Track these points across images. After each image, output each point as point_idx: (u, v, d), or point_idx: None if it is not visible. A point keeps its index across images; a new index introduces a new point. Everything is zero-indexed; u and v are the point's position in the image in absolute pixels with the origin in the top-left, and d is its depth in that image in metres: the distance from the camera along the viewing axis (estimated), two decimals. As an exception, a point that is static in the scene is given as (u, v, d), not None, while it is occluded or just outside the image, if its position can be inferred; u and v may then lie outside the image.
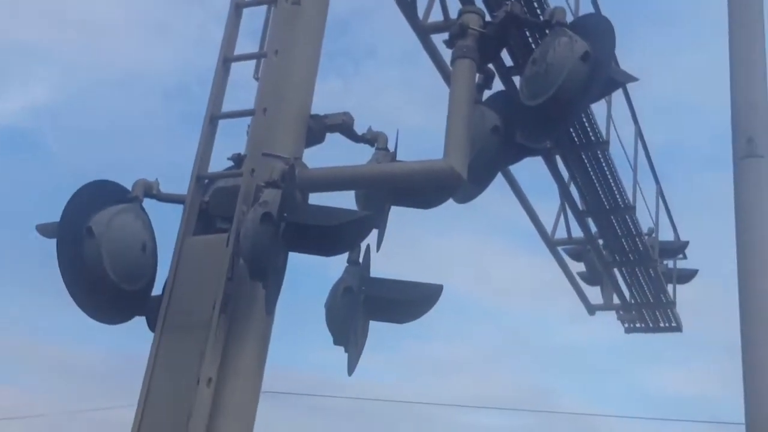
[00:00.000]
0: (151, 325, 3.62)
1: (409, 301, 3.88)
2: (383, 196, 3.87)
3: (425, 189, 3.84)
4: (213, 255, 3.54)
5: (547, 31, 4.23)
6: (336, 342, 3.88)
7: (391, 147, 4.00)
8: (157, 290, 3.68)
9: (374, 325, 4.03)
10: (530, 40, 4.98)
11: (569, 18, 4.29)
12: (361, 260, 3.90)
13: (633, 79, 4.17)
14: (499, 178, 5.14)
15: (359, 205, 3.98)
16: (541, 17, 4.47)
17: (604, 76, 3.89)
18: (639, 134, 6.85)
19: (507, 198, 5.85)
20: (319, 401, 20.87)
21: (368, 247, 3.88)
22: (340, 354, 3.80)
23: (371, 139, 4.02)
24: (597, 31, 3.96)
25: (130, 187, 3.65)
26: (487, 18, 4.27)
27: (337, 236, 3.54)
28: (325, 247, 3.56)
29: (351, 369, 3.86)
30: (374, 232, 3.87)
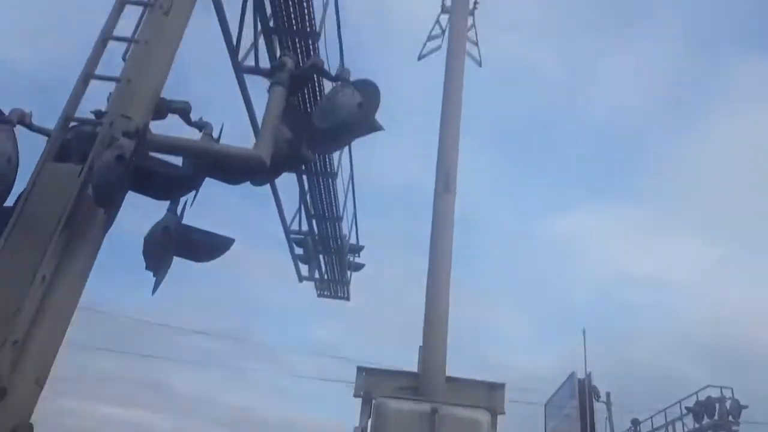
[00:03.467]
0: (-2, 231, 4.31)
1: (209, 245, 5.15)
2: (204, 167, 5.14)
3: (236, 168, 5.20)
4: (66, 180, 4.42)
5: (336, 83, 6.01)
6: (147, 268, 4.95)
7: (215, 135, 5.31)
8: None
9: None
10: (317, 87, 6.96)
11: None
12: (178, 211, 5.12)
13: (383, 128, 6.02)
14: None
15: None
16: (333, 73, 6.24)
17: (368, 121, 5.75)
18: (351, 177, 9.67)
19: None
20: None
21: (186, 201, 5.07)
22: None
23: (201, 125, 5.26)
24: (368, 91, 5.82)
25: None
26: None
27: (173, 185, 4.76)
28: (161, 192, 4.73)
29: (155, 290, 4.95)
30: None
